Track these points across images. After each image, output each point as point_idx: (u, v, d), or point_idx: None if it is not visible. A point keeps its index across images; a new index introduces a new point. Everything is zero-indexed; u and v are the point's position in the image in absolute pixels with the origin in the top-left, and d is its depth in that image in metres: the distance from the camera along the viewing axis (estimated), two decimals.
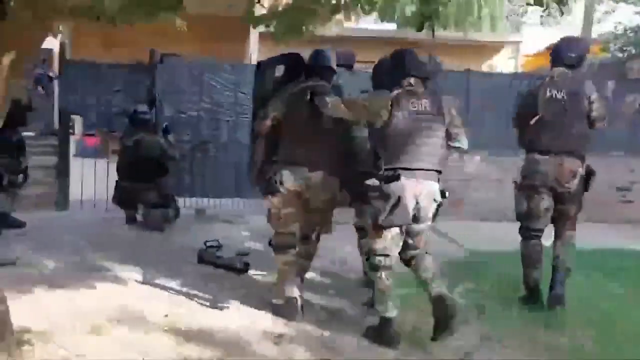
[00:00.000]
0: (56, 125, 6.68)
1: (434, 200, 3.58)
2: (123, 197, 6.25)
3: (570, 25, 18.35)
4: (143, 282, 4.41)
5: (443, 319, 3.48)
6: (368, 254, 3.66)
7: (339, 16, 3.74)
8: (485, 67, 12.74)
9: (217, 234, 5.78)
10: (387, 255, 3.56)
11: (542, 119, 4.19)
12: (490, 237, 6.06)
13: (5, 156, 5.69)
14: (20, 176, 5.85)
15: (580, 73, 4.36)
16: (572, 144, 4.20)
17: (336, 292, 4.48)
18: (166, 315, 3.77)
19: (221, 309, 3.95)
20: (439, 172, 3.60)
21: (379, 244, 3.56)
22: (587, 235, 4.72)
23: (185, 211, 6.68)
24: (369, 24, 12.62)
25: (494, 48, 13.34)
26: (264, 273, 4.72)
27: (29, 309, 3.72)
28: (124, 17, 3.26)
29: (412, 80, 3.61)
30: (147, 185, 6.12)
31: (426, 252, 3.70)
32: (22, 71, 2.94)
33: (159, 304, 4.00)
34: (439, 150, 3.60)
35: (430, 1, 2.86)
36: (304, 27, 3.11)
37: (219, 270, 4.82)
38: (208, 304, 4.02)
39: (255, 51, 11.37)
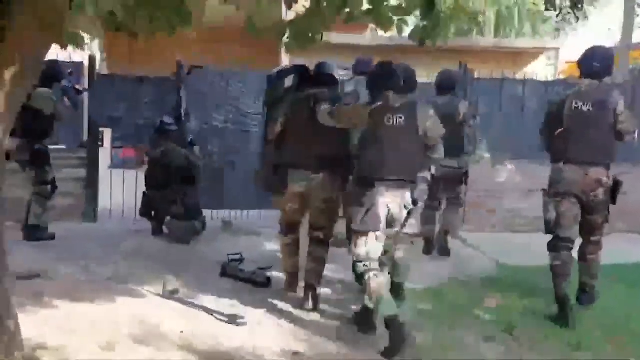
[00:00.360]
0: (85, 137, 6.73)
1: (405, 207, 3.82)
2: (149, 208, 6.27)
3: (610, 31, 17.90)
4: (163, 296, 4.36)
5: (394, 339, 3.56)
6: (354, 262, 3.82)
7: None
8: (523, 74, 12.44)
9: (244, 246, 5.74)
10: (370, 260, 3.74)
11: (568, 130, 4.24)
12: (522, 249, 5.86)
13: (31, 167, 5.78)
14: (48, 187, 5.93)
15: (607, 84, 4.38)
16: (598, 155, 4.25)
17: (355, 308, 4.35)
18: (182, 332, 3.71)
19: (238, 325, 3.88)
20: (412, 181, 3.85)
21: (361, 250, 3.74)
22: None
23: (212, 223, 6.66)
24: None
25: (532, 54, 12.98)
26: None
27: (46, 323, 3.72)
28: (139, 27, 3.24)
29: (390, 94, 3.80)
30: (174, 197, 6.12)
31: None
32: (29, 85, 2.90)
33: (177, 319, 3.95)
34: (412, 161, 3.84)
35: (431, 15, 2.76)
36: (316, 36, 3.01)
37: (241, 284, 4.76)
38: (226, 319, 3.95)
39: (287, 59, 11.36)
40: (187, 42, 9.09)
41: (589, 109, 4.20)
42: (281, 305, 4.32)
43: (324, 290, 4.65)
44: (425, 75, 7.21)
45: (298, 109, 4.21)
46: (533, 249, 4.91)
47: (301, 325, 3.96)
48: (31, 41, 2.59)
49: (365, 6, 2.73)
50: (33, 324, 3.66)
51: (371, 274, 3.67)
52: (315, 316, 4.13)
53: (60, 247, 5.60)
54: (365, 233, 3.73)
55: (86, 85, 6.63)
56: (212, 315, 4.04)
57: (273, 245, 5.92)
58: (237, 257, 5.01)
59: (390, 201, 3.76)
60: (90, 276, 4.80)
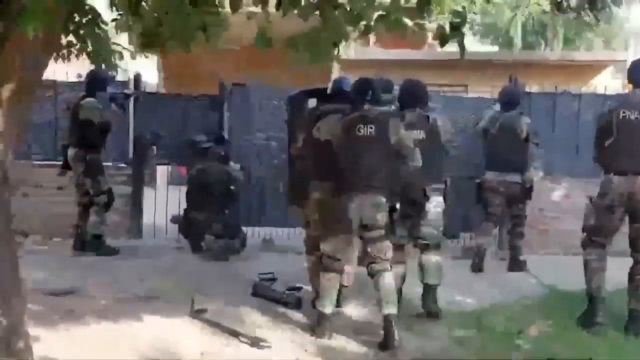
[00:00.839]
0: (130, 154, 6.84)
1: (379, 210, 3.97)
2: (189, 227, 6.27)
3: None
4: (190, 315, 4.30)
5: (385, 339, 3.90)
6: (321, 257, 4.15)
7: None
8: (589, 88, 11.93)
9: (281, 265, 5.66)
10: (336, 260, 4.08)
11: (617, 140, 4.19)
12: (574, 272, 5.45)
13: (85, 177, 5.93)
14: (103, 197, 6.02)
15: None
16: None
17: (378, 335, 4.13)
18: (202, 354, 3.63)
19: (262, 348, 3.77)
20: (385, 187, 4.02)
21: (327, 247, 4.11)
22: None
23: (253, 241, 6.61)
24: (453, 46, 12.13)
25: (598, 67, 12.45)
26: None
27: (71, 341, 3.73)
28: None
29: (365, 107, 4.08)
30: (213, 216, 6.10)
31: (390, 267, 4.05)
32: (30, 100, 2.92)
33: (200, 339, 3.90)
34: (384, 168, 4.03)
35: (458, 14, 2.59)
36: (329, 51, 2.89)
37: (271, 304, 4.64)
38: (250, 342, 3.84)
39: (337, 74, 11.28)
40: (236, 60, 9.25)
41: (637, 118, 4.13)
42: (308, 329, 4.18)
43: (354, 315, 4.49)
44: (490, 90, 7.02)
45: (311, 125, 4.35)
46: None
47: (327, 350, 3.81)
48: (30, 51, 2.58)
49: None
50: (59, 341, 3.70)
51: (328, 275, 4.08)
52: (340, 342, 3.96)
53: (99, 264, 5.66)
54: (335, 234, 4.07)
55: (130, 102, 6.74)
56: (236, 337, 3.93)
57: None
58: (269, 276, 4.90)
59: (362, 206, 3.97)
60: (123, 293, 4.79)
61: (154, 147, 6.91)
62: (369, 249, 4.07)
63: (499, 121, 5.82)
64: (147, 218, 6.95)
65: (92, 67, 5.17)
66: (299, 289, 4.76)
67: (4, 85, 2.54)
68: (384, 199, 4.02)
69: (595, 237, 4.34)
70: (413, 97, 4.64)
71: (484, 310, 4.66)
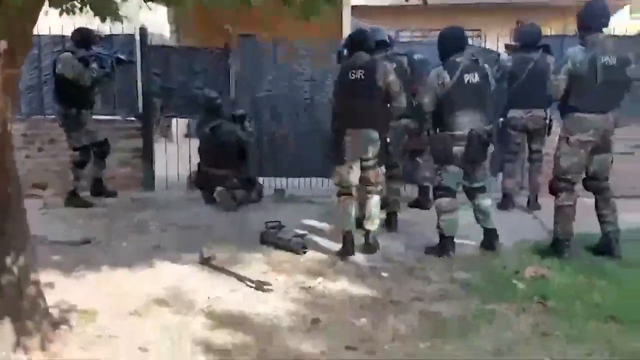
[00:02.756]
0: (140, 108, 6.93)
1: (371, 143, 4.58)
2: (203, 181, 6.42)
3: None
4: (200, 262, 4.47)
5: (366, 245, 4.77)
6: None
7: None
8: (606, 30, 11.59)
9: (292, 214, 5.82)
10: (345, 186, 4.72)
11: (594, 83, 4.44)
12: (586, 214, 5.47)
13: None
14: (76, 154, 6.16)
15: None
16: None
17: (385, 278, 4.30)
18: (209, 297, 3.80)
19: (265, 291, 3.93)
20: (377, 123, 4.59)
21: (336, 179, 4.78)
22: None
23: (268, 191, 6.75)
24: None
25: (612, 7, 12.13)
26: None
27: (84, 288, 3.94)
28: None
29: (356, 54, 4.67)
30: (226, 171, 6.22)
31: (380, 191, 4.79)
32: (19, 63, 2.98)
33: (208, 285, 4.07)
34: (375, 107, 4.58)
35: None
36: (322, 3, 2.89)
37: (278, 252, 4.80)
38: (254, 285, 4.01)
39: (348, 27, 11.19)
40: (249, 11, 9.16)
41: (614, 64, 4.44)
42: (313, 272, 4.33)
43: (358, 260, 4.64)
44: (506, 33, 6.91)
45: (341, 77, 4.79)
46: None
47: (327, 294, 3.96)
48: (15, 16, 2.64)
49: None
50: (73, 288, 3.91)
51: (342, 198, 4.72)
52: (343, 285, 4.11)
53: (115, 216, 5.85)
54: (339, 166, 4.68)
55: (137, 56, 6.78)
56: (242, 281, 4.10)
57: (325, 212, 5.95)
58: (276, 224, 5.04)
59: (355, 141, 4.58)
60: (136, 244, 4.98)
61: (162, 100, 6.99)
62: (363, 176, 4.69)
63: (526, 63, 5.92)
64: (160, 170, 7.09)
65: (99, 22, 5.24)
66: (304, 235, 4.91)
67: None
68: (376, 134, 4.57)
69: (569, 177, 4.60)
70: (459, 42, 4.72)
71: (483, 253, 4.76)
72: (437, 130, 4.67)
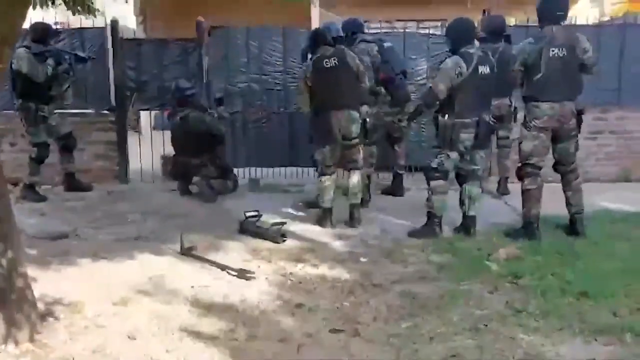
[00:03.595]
0: (112, 101, 6.90)
1: (352, 123, 5.15)
2: (178, 171, 6.44)
3: None
4: (181, 253, 4.52)
5: (350, 219, 5.30)
6: (316, 165, 5.44)
7: None
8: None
9: (268, 203, 5.89)
10: (327, 166, 5.24)
11: (547, 74, 4.71)
12: (546, 200, 5.70)
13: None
14: (34, 149, 6.14)
15: None
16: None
17: (364, 262, 4.42)
18: (192, 287, 3.86)
19: (247, 279, 4.01)
20: (356, 104, 5.20)
21: (319, 155, 5.27)
22: None
23: (242, 181, 6.80)
24: None
25: None
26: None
27: (67, 280, 3.94)
28: None
29: (324, 47, 5.20)
30: (200, 160, 6.24)
31: (360, 168, 5.32)
32: (7, 56, 2.98)
33: (190, 274, 4.12)
34: (352, 89, 5.16)
35: None
36: None
37: (258, 240, 4.87)
38: (236, 274, 4.08)
39: (317, 16, 11.25)
40: (220, 3, 9.14)
41: (564, 55, 4.71)
42: (293, 259, 4.43)
43: (336, 246, 4.75)
44: None
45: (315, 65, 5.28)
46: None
47: (309, 280, 4.05)
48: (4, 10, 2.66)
49: None
50: (55, 281, 3.91)
51: (323, 178, 5.23)
52: (323, 270, 4.21)
53: (92, 209, 5.85)
54: (323, 146, 5.20)
55: (109, 49, 6.74)
56: (224, 270, 4.17)
57: (299, 201, 6.04)
58: (254, 214, 5.11)
59: (339, 120, 5.10)
60: (116, 236, 5.00)
61: (134, 93, 6.97)
62: (346, 153, 5.24)
63: (493, 52, 5.80)
64: (134, 163, 7.09)
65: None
66: (283, 223, 4.99)
67: None
68: (357, 114, 5.16)
69: (533, 162, 4.82)
70: (470, 33, 4.91)
71: (457, 237, 4.92)
72: (447, 117, 4.81)
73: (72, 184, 6.50)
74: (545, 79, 4.70)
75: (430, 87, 4.98)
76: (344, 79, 5.11)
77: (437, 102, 4.88)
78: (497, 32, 6.16)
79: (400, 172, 6.31)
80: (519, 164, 4.98)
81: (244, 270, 4.10)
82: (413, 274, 4.13)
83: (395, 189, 6.37)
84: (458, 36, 4.85)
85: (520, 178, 4.96)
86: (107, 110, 6.88)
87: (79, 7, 4.39)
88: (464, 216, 5.00)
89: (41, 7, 4.63)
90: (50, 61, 5.98)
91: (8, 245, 2.96)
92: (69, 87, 6.47)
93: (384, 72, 5.62)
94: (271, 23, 7.10)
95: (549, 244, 4.67)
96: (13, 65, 5.93)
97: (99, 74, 6.80)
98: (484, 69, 4.79)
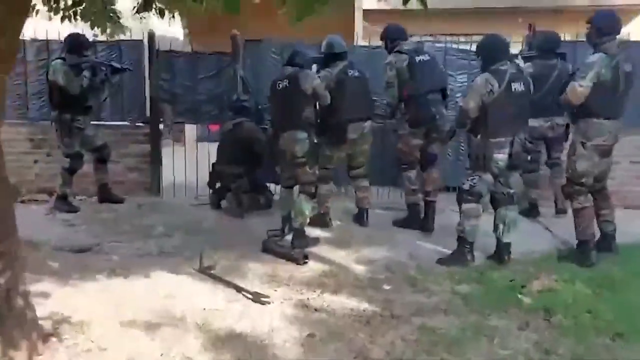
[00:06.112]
0: (147, 113, 6.90)
1: (297, 143, 5.06)
2: (213, 180, 6.38)
3: None
4: (200, 271, 4.41)
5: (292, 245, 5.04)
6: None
7: None
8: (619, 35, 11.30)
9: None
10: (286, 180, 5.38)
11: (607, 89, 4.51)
12: None
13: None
14: (66, 160, 6.15)
15: None
16: None
17: (386, 290, 4.20)
18: (204, 309, 3.74)
19: (262, 303, 3.86)
20: (304, 125, 5.09)
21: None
22: None
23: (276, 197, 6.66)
24: None
25: (628, 12, 11.84)
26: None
27: (80, 297, 3.88)
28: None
29: (284, 69, 5.29)
30: (236, 171, 6.15)
31: (313, 189, 5.19)
32: (8, 69, 2.92)
33: (204, 295, 4.00)
34: (302, 112, 5.06)
35: None
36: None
37: (279, 261, 4.73)
38: (251, 297, 3.94)
39: (360, 30, 11.11)
40: (261, 17, 9.06)
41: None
42: (313, 284, 4.25)
43: (358, 271, 4.55)
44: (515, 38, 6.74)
45: None
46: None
47: (325, 307, 3.86)
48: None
49: None
50: (69, 297, 3.86)
51: (304, 197, 5.15)
52: (341, 298, 4.02)
53: (120, 222, 5.83)
54: (278, 163, 5.47)
55: (145, 61, 6.76)
56: (240, 292, 4.03)
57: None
58: (278, 232, 4.97)
59: (285, 141, 5.11)
60: (138, 251, 4.96)
61: (170, 106, 6.96)
62: (294, 173, 5.19)
63: (550, 70, 5.80)
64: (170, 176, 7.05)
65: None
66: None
67: None
68: (304, 134, 5.06)
69: (584, 181, 4.65)
70: (503, 50, 4.69)
71: (490, 265, 4.65)
72: (479, 137, 4.58)
73: (105, 195, 6.51)
74: (621, 96, 4.55)
75: (461, 105, 4.75)
76: (293, 101, 5.07)
77: (469, 121, 4.64)
78: (551, 48, 5.89)
79: (430, 199, 5.64)
80: (566, 183, 4.79)
81: (259, 294, 3.95)
82: (436, 305, 3.89)
83: (410, 221, 5.69)
84: (489, 54, 4.62)
85: (569, 197, 4.77)
86: (142, 122, 6.87)
87: (97, 25, 4.36)
88: (498, 243, 4.72)
89: (69, 20, 4.67)
90: (86, 73, 6.01)
91: (8, 263, 2.89)
92: (106, 98, 6.51)
93: (407, 89, 5.32)
94: (313, 39, 6.94)
95: (587, 275, 4.34)
96: (49, 77, 6.02)
97: (135, 86, 6.83)
98: (518, 86, 4.52)
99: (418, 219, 5.64)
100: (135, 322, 3.52)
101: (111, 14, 4.57)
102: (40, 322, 3.28)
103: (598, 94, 4.49)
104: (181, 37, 12.92)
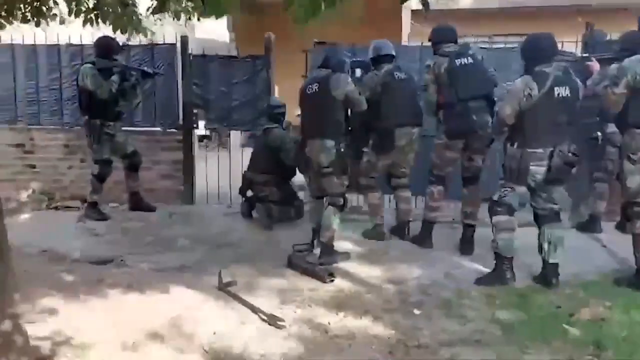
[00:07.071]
0: (181, 120, 6.72)
1: (324, 152, 4.70)
2: (244, 187, 6.16)
3: None
4: (218, 288, 4.16)
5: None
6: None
7: None
8: None
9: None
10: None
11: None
12: None
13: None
14: (95, 166, 6.06)
15: None
16: None
17: (416, 315, 3.83)
18: (214, 333, 3.46)
19: (278, 327, 3.56)
20: (332, 133, 4.72)
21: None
22: None
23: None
24: None
25: None
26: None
27: (88, 314, 3.66)
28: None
29: (315, 71, 5.06)
30: (268, 177, 5.91)
31: (342, 201, 4.82)
32: None
33: (218, 315, 3.73)
34: (331, 118, 4.71)
35: None
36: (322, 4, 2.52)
37: (303, 278, 4.42)
38: (267, 319, 3.64)
39: (407, 30, 10.75)
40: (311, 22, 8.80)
41: None
42: (336, 305, 3.92)
43: (388, 292, 4.20)
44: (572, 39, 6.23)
45: None
46: None
47: (346, 333, 3.53)
48: None
49: None
50: (75, 314, 3.65)
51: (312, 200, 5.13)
52: (365, 322, 3.67)
53: (147, 232, 5.67)
54: (305, 173, 5.16)
55: (178, 66, 6.59)
56: (255, 313, 3.75)
57: (359, 235, 5.50)
58: (303, 247, 4.67)
59: (311, 149, 4.79)
60: (158, 264, 4.75)
61: (201, 112, 6.78)
62: (321, 183, 4.87)
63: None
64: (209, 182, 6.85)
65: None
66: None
67: None
68: (331, 142, 4.67)
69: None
70: (548, 50, 4.19)
71: (534, 288, 4.20)
72: (515, 145, 4.16)
73: (137, 203, 6.37)
74: None
75: (497, 111, 4.32)
76: (322, 109, 4.73)
77: (506, 129, 4.21)
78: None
79: (469, 223, 5.05)
80: (624, 203, 4.31)
81: (275, 316, 3.65)
82: (470, 335, 3.49)
83: (421, 240, 5.20)
84: (532, 55, 4.16)
85: (629, 219, 4.28)
86: (175, 128, 6.70)
87: (120, 28, 4.18)
88: (544, 264, 4.27)
89: (91, 25, 4.51)
90: (115, 77, 5.86)
91: None
92: (139, 103, 6.37)
93: (445, 95, 4.82)
94: (359, 39, 6.60)
95: None
96: (79, 81, 5.91)
97: (168, 91, 6.67)
98: (562, 91, 4.03)
99: (430, 238, 5.18)
100: (139, 345, 3.29)
101: (133, 16, 4.35)
102: (38, 342, 3.10)
103: (635, 101, 4.05)
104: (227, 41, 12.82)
